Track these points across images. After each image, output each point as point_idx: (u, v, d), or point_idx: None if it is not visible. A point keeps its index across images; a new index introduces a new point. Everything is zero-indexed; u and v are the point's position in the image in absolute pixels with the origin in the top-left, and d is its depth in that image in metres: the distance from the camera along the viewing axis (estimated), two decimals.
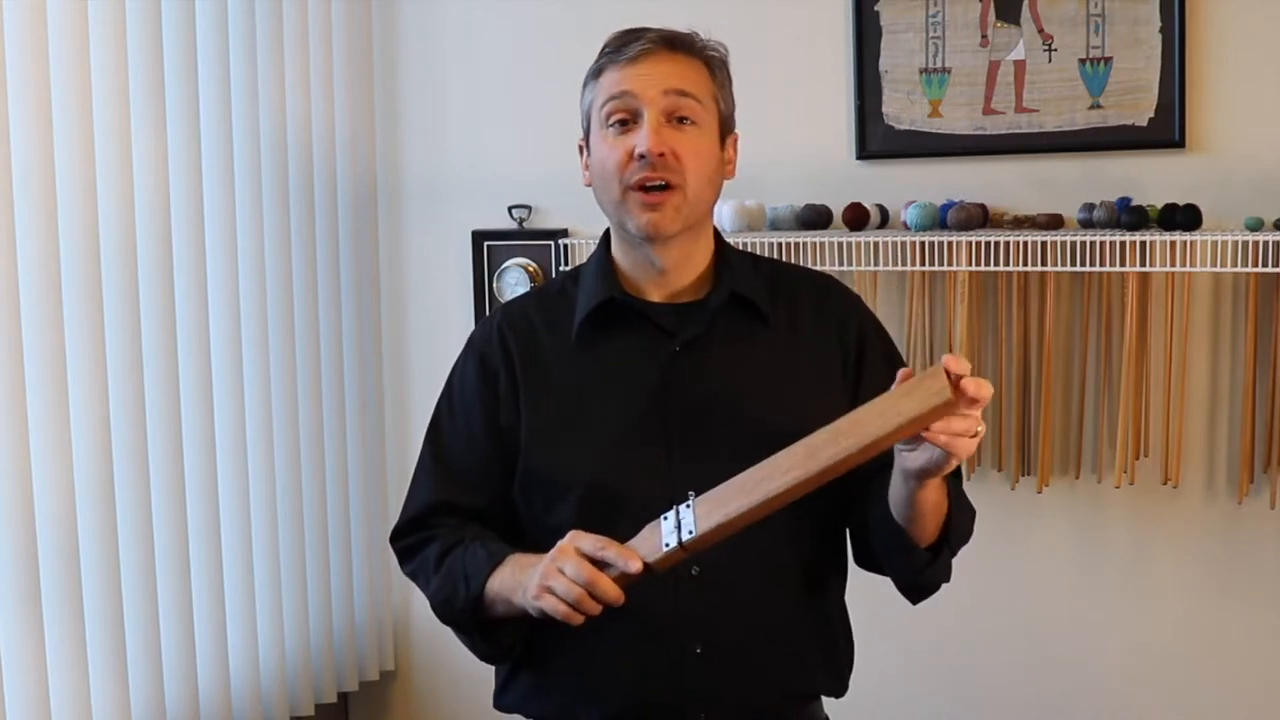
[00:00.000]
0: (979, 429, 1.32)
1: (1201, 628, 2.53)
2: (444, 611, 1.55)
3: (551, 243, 2.79)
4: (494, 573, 1.49)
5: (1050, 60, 2.49)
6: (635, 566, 1.36)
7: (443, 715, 3.03)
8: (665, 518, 1.39)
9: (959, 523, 1.51)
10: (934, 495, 1.44)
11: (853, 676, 1.67)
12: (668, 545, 1.37)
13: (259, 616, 2.62)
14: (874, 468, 1.52)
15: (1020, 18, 2.50)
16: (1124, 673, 2.58)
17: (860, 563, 1.65)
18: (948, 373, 1.28)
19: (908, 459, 1.38)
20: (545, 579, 1.39)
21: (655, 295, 1.58)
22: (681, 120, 1.51)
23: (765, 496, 1.35)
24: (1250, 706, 2.51)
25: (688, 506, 1.38)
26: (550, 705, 1.58)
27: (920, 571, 1.51)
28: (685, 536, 1.36)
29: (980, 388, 1.29)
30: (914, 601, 1.60)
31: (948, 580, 1.56)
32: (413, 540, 1.62)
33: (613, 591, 1.37)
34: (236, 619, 2.56)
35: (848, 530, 1.63)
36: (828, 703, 1.68)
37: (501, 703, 1.64)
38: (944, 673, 2.70)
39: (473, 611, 1.51)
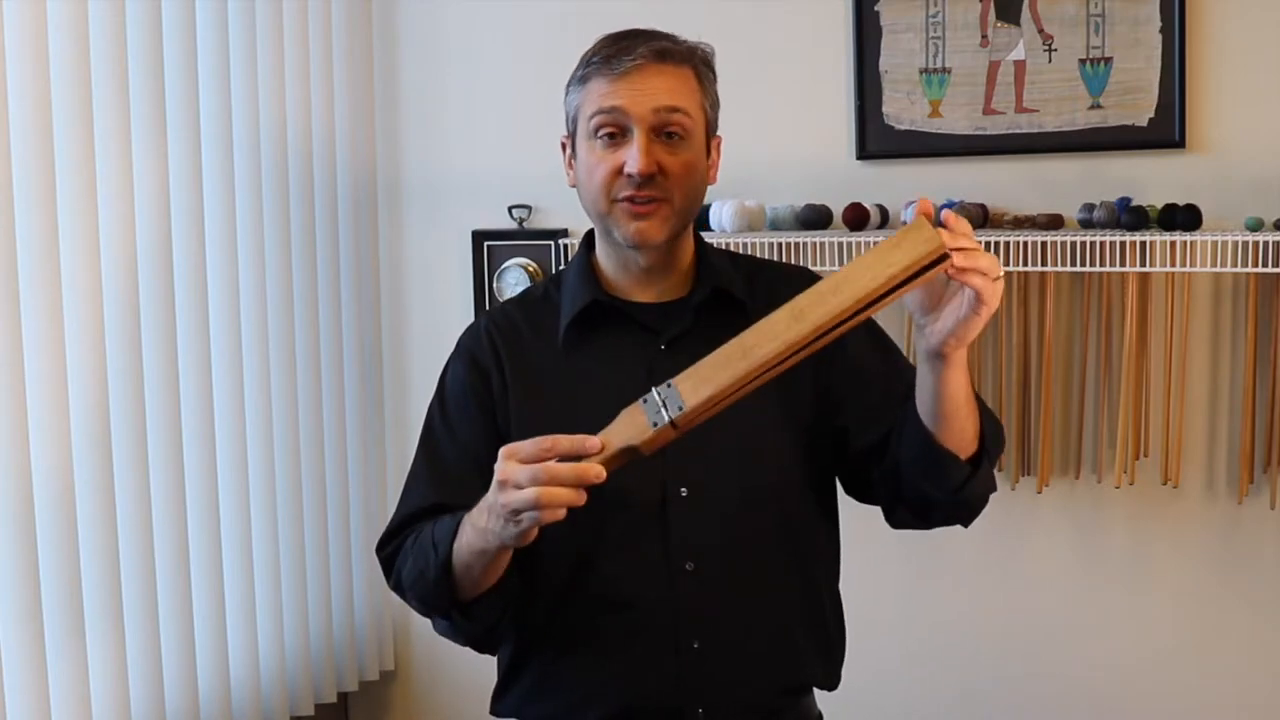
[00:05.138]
0: (1000, 273, 1.30)
1: (1201, 628, 2.53)
2: (420, 588, 1.50)
3: (551, 243, 2.79)
4: (458, 534, 1.45)
5: (1050, 60, 2.49)
6: (594, 446, 1.31)
7: (443, 715, 3.03)
8: (645, 400, 1.33)
9: (991, 428, 1.49)
10: (962, 383, 1.40)
11: (849, 673, 1.66)
12: (656, 425, 1.30)
13: (259, 616, 2.62)
14: (894, 413, 1.50)
15: (1020, 18, 2.50)
16: (1123, 672, 2.58)
17: (894, 520, 1.60)
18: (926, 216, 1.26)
19: (932, 332, 1.35)
20: (504, 501, 1.32)
21: (638, 296, 1.59)
22: (670, 135, 1.50)
23: (754, 364, 1.29)
24: (1251, 706, 2.51)
25: (668, 386, 1.33)
26: (548, 708, 1.58)
27: (964, 485, 1.47)
28: (675, 414, 1.30)
29: (958, 221, 1.29)
30: (965, 523, 1.55)
31: (994, 490, 1.53)
32: (394, 547, 1.58)
33: (588, 473, 1.30)
34: (236, 619, 2.56)
35: (877, 486, 1.57)
36: (826, 699, 1.68)
37: (498, 709, 1.64)
38: (942, 671, 2.69)
39: (446, 581, 1.47)
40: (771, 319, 1.31)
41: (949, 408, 1.41)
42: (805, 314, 1.28)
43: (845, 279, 1.28)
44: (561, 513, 1.31)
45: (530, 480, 1.30)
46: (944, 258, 1.27)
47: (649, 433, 1.31)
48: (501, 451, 1.35)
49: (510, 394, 1.58)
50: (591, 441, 1.31)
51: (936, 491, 1.49)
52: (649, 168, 1.48)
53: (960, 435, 1.44)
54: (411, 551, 1.53)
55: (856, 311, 1.28)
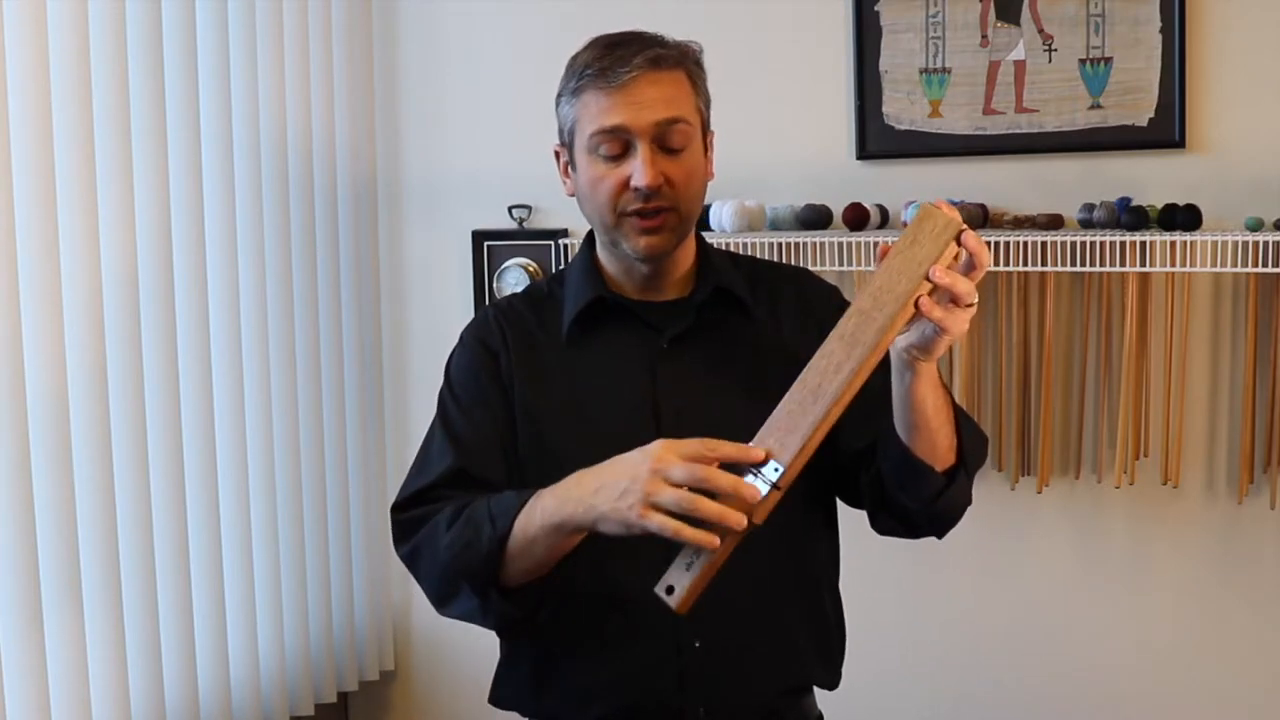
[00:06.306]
0: (974, 299, 1.31)
1: (1202, 628, 2.53)
2: (463, 560, 1.42)
3: (551, 243, 2.79)
4: (527, 508, 1.39)
5: (1050, 60, 2.49)
6: (757, 455, 1.27)
7: (443, 715, 3.03)
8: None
9: (971, 442, 1.49)
10: (931, 394, 1.40)
11: (850, 674, 1.67)
12: (764, 494, 1.27)
13: (259, 616, 2.62)
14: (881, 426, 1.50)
15: (1020, 18, 2.50)
16: (1123, 672, 2.58)
17: (878, 526, 1.59)
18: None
19: (900, 343, 1.36)
20: (649, 489, 1.28)
21: (642, 295, 1.60)
22: (671, 144, 1.50)
23: (830, 401, 1.28)
24: (1250, 706, 2.51)
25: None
26: (550, 704, 1.58)
27: (937, 497, 1.47)
28: (775, 477, 1.27)
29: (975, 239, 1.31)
30: (939, 534, 1.55)
31: (969, 503, 1.52)
32: (420, 511, 1.51)
33: (744, 490, 1.26)
34: (236, 619, 2.56)
35: (863, 493, 1.57)
36: (826, 699, 1.68)
37: (496, 697, 1.63)
38: (942, 671, 2.70)
39: (498, 556, 1.41)
40: (825, 352, 1.31)
41: (919, 418, 1.41)
42: (858, 337, 1.29)
43: (881, 290, 1.29)
44: (701, 536, 1.26)
45: (688, 478, 1.27)
46: (962, 233, 1.29)
47: (758, 502, 1.29)
48: (660, 441, 1.31)
49: (516, 380, 1.58)
50: (755, 452, 1.28)
51: (911, 501, 1.49)
52: (656, 180, 1.49)
53: (932, 447, 1.44)
54: (452, 527, 1.46)
55: (903, 314, 1.29)
